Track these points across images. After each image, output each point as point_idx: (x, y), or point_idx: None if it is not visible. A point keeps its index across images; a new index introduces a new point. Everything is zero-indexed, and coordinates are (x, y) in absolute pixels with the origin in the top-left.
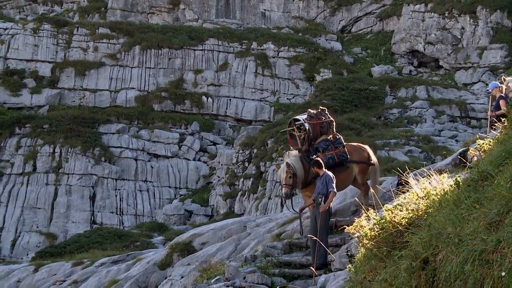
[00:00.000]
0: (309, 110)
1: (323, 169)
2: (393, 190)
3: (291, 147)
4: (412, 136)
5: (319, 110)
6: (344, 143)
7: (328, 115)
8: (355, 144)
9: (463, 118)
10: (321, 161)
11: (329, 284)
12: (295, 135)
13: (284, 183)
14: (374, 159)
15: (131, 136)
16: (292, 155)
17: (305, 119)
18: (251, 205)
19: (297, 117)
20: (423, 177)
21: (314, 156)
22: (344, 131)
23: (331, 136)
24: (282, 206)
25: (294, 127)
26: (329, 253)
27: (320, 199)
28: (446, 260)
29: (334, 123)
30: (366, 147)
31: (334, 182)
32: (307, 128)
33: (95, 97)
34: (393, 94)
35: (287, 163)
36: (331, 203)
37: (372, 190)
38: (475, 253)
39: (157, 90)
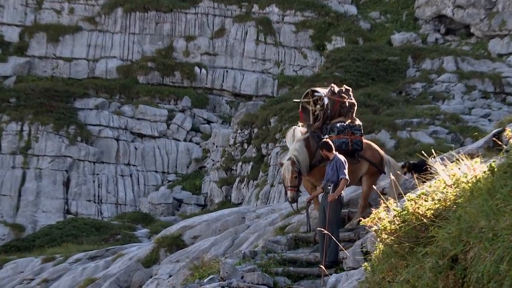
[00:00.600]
0: (333, 84)
1: (333, 152)
2: (416, 177)
3: (300, 123)
4: (438, 115)
5: (344, 88)
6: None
7: (352, 97)
8: (368, 141)
9: (498, 94)
10: (331, 143)
11: (340, 285)
12: (309, 109)
13: (289, 185)
14: (387, 157)
15: (112, 113)
16: (298, 134)
17: (326, 93)
18: (251, 193)
19: (316, 89)
20: (451, 162)
21: (326, 136)
22: (359, 108)
23: (349, 120)
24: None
25: (311, 100)
26: (341, 249)
27: (329, 187)
28: (478, 258)
29: (356, 107)
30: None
31: (347, 167)
32: (325, 103)
33: (70, 67)
34: (416, 66)
35: (292, 160)
36: (342, 192)
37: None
38: None
39: (142, 60)
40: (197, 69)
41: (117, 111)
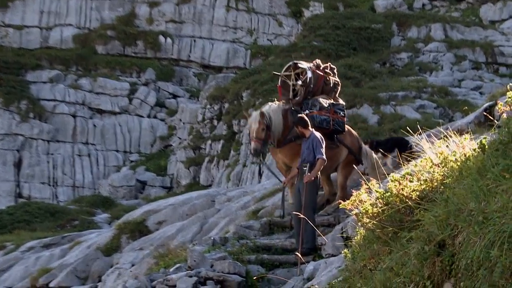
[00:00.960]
0: (317, 60)
1: (310, 129)
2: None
3: (278, 98)
4: (425, 88)
5: (329, 65)
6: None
7: (337, 76)
8: (349, 127)
9: (490, 65)
10: (307, 119)
11: (319, 274)
12: (289, 84)
13: (254, 135)
14: (364, 146)
15: (68, 86)
16: (273, 106)
17: (310, 67)
18: (221, 175)
19: (299, 62)
20: (438, 139)
21: (306, 112)
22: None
23: (332, 100)
24: (260, 175)
25: (292, 73)
26: (319, 235)
27: (305, 168)
28: (467, 243)
29: (339, 87)
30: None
31: (324, 146)
32: (309, 77)
33: (21, 36)
34: (401, 34)
35: (261, 112)
36: (318, 173)
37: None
38: (503, 234)
39: (101, 28)
40: (161, 38)
41: (73, 85)
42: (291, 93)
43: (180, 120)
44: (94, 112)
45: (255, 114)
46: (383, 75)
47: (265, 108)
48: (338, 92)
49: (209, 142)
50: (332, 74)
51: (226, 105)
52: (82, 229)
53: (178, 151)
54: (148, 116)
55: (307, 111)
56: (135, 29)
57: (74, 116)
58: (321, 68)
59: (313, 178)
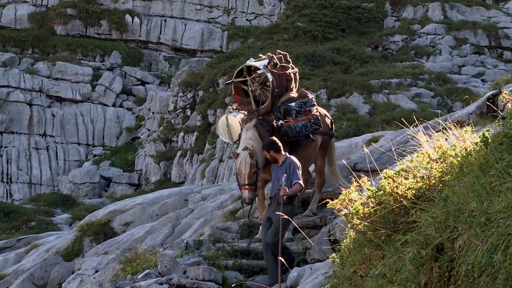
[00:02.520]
0: (270, 54)
1: (283, 152)
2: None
3: (238, 108)
4: (421, 74)
5: (281, 56)
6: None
7: (291, 63)
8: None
9: (493, 49)
10: (278, 142)
11: (303, 281)
12: (246, 90)
13: (246, 182)
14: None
15: (23, 71)
16: (235, 123)
17: (265, 66)
18: (195, 170)
19: (252, 63)
20: (437, 132)
21: (281, 122)
22: (326, 66)
23: (297, 94)
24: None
25: (248, 78)
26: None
27: (285, 197)
28: (467, 247)
29: (298, 75)
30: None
31: (300, 171)
32: (270, 80)
33: None
34: (395, 14)
35: (251, 151)
36: (296, 202)
37: (332, 170)
38: (508, 237)
39: (60, 6)
40: (128, 17)
41: (29, 69)
42: (252, 101)
43: (149, 109)
44: (52, 100)
45: (243, 155)
46: (374, 60)
47: (249, 142)
48: (297, 80)
49: (181, 134)
50: (288, 65)
51: (201, 93)
52: (39, 231)
53: (147, 144)
54: (114, 105)
55: (281, 122)
56: (98, 7)
57: (30, 104)
58: (278, 66)
59: (290, 194)
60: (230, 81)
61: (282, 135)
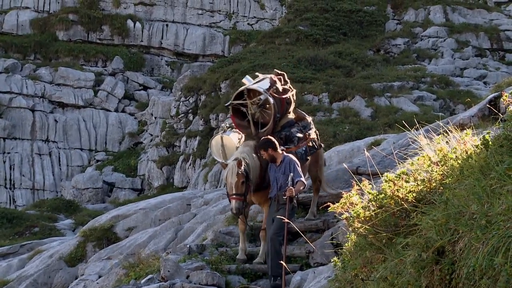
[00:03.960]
0: (272, 77)
1: (280, 150)
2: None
3: (232, 125)
4: (423, 77)
5: (281, 76)
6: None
7: (289, 83)
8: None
9: (495, 51)
10: (274, 139)
11: (306, 285)
12: (244, 112)
13: (234, 192)
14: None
15: (26, 77)
16: (231, 144)
17: (267, 90)
18: (198, 175)
19: (252, 86)
20: (438, 135)
21: (282, 148)
22: (328, 70)
23: (294, 116)
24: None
25: (248, 101)
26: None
27: (284, 198)
28: (468, 250)
29: (295, 95)
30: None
31: (300, 168)
32: (272, 104)
33: None
34: (397, 17)
35: (239, 161)
36: (295, 202)
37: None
38: (508, 239)
39: (62, 11)
40: (130, 22)
41: (32, 75)
42: (252, 125)
43: (152, 114)
44: (55, 106)
45: (231, 165)
46: (376, 63)
47: (241, 154)
48: (295, 102)
49: (183, 139)
50: (286, 86)
51: (203, 98)
52: (43, 236)
53: (150, 149)
54: (116, 110)
55: (282, 148)
56: (100, 12)
57: (32, 110)
58: (280, 90)
59: (295, 194)
60: (229, 103)
61: None
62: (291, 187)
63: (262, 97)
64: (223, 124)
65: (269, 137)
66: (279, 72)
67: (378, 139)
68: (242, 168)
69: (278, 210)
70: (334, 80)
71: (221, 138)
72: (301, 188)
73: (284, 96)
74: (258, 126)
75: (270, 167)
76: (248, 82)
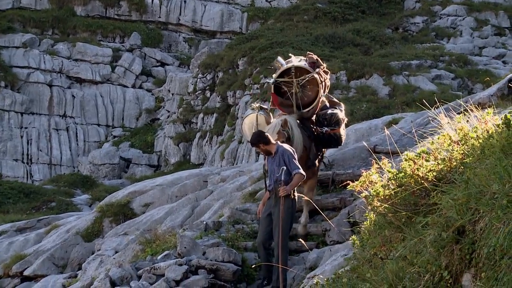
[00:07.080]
0: (313, 57)
1: (273, 142)
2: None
3: (261, 106)
4: (441, 56)
5: (313, 58)
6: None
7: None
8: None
9: None
10: (266, 134)
11: (323, 262)
12: (285, 91)
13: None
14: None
15: (44, 52)
16: (264, 124)
17: (310, 65)
18: (214, 152)
19: (301, 63)
20: (457, 113)
21: (326, 129)
22: (346, 47)
23: (328, 101)
24: (258, 153)
25: (294, 80)
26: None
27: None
28: (489, 229)
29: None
30: None
31: (296, 157)
32: (320, 82)
33: None
34: None
35: (284, 120)
36: (296, 194)
37: None
38: None
39: None
40: None
41: (49, 50)
42: (294, 104)
43: (169, 91)
44: (72, 81)
45: (275, 122)
46: (395, 41)
47: (289, 118)
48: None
49: (201, 115)
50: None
51: (220, 74)
52: (59, 211)
53: (167, 125)
54: (133, 86)
55: (326, 128)
56: None
57: (50, 85)
58: (322, 70)
59: (290, 191)
60: (273, 80)
61: (320, 142)
62: (284, 187)
63: (310, 75)
64: (253, 104)
65: (259, 131)
66: (314, 55)
67: (396, 117)
68: (287, 128)
69: (275, 204)
70: (352, 58)
71: (257, 117)
72: (300, 181)
73: (325, 78)
74: (300, 106)
75: (267, 159)
76: (281, 63)
